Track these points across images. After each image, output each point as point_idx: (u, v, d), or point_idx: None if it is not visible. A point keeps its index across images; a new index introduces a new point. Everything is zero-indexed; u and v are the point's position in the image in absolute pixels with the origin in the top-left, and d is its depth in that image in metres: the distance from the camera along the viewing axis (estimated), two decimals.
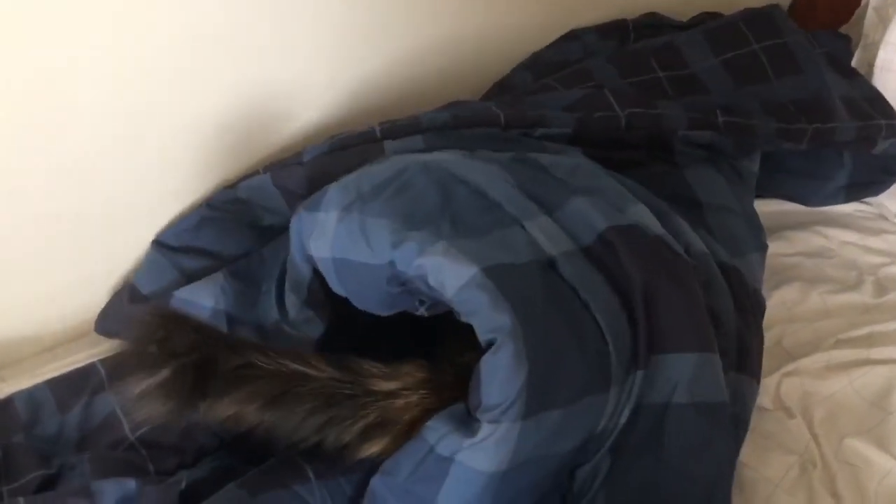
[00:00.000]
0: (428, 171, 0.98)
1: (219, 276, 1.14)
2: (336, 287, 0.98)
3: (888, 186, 1.45)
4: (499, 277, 0.84)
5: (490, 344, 0.83)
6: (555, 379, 0.84)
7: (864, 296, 1.32)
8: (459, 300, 0.85)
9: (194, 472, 0.97)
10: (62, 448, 1.06)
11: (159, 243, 1.20)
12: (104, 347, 1.20)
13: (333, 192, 0.98)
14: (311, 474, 0.93)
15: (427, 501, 0.85)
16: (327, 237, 0.95)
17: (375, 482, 0.89)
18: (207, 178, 1.23)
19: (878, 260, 1.39)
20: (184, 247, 1.19)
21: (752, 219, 1.24)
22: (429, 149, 1.10)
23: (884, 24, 1.42)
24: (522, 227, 0.93)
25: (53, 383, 1.12)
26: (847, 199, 1.48)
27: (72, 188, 1.11)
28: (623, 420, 0.90)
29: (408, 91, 1.36)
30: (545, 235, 0.93)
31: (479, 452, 0.82)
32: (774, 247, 1.37)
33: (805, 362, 1.20)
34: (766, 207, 1.45)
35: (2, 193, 1.05)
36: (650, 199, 1.09)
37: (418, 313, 0.95)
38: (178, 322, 0.80)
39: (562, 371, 0.85)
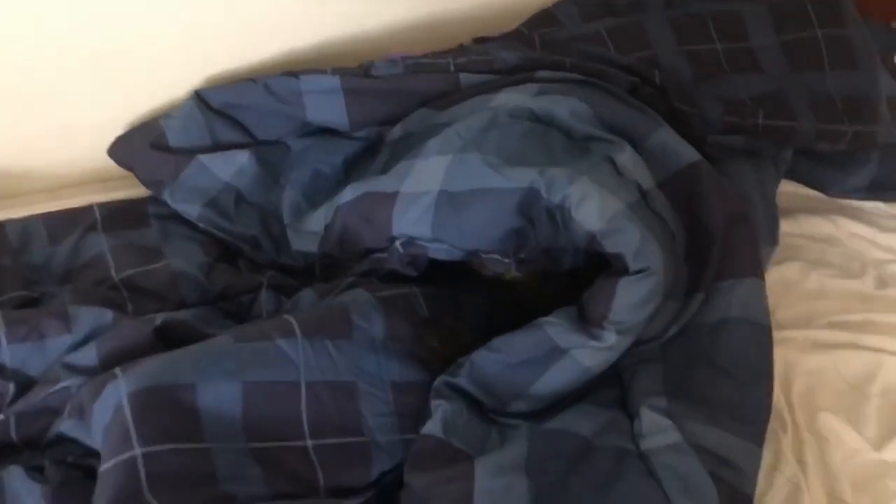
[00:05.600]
0: (516, 117, 1.04)
1: (243, 155, 1.15)
2: (424, 228, 0.99)
3: None
4: (637, 213, 0.92)
5: (637, 271, 0.90)
6: (665, 301, 0.95)
7: (864, 285, 1.31)
8: (608, 230, 0.91)
9: (172, 315, 0.97)
10: (47, 277, 1.07)
11: (201, 98, 1.18)
12: (103, 197, 1.20)
13: (434, 143, 1.02)
14: (297, 330, 0.93)
15: (526, 382, 0.94)
16: (434, 174, 0.98)
17: (480, 355, 0.95)
18: (253, 52, 1.24)
19: (884, 256, 1.37)
20: (223, 112, 1.18)
21: (772, 212, 1.24)
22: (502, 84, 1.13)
23: None
24: (613, 162, 0.99)
25: (47, 217, 1.13)
26: (865, 198, 1.46)
27: (100, 23, 1.10)
28: (669, 334, 0.98)
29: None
30: (634, 168, 0.98)
31: (595, 353, 0.93)
32: (784, 226, 1.36)
33: (793, 334, 1.19)
34: (785, 187, 1.43)
35: (27, 17, 1.03)
36: None
37: (505, 265, 1.00)
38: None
39: (671, 295, 0.97)
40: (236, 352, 0.89)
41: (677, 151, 1.03)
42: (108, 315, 0.95)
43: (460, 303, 1.07)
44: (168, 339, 0.94)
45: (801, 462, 1.04)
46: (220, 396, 0.86)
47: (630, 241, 0.90)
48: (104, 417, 0.82)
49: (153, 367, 0.85)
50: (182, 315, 0.97)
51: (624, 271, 0.91)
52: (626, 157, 0.99)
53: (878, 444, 1.07)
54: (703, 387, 0.94)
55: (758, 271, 1.01)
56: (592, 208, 0.91)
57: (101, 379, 0.86)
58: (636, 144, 1.03)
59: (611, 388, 0.97)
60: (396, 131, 1.16)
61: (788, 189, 1.45)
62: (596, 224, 0.91)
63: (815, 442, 1.07)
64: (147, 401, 0.82)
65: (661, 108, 1.19)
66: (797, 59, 1.31)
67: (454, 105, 1.13)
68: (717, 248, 1.00)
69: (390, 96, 1.16)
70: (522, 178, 0.94)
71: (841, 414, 1.10)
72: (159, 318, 0.94)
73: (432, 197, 0.98)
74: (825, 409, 1.10)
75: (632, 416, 0.93)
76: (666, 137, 1.04)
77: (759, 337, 0.98)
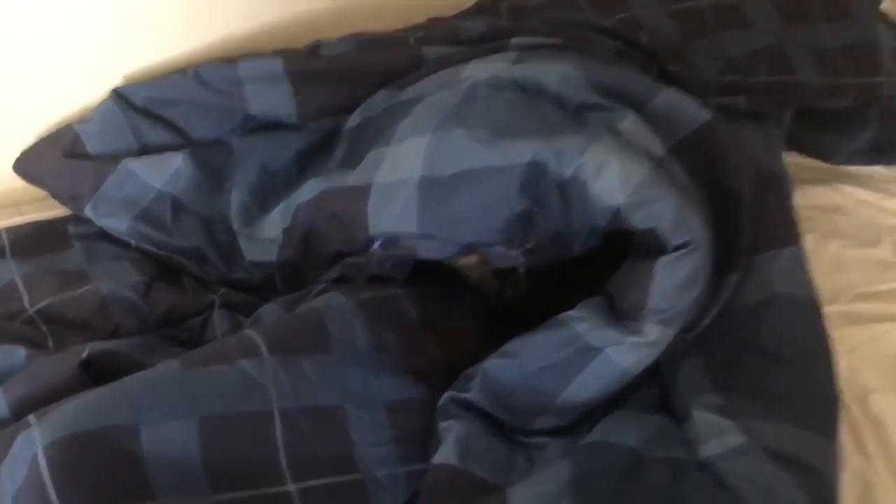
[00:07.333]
0: (497, 87, 0.89)
1: (177, 158, 1.01)
2: (409, 223, 0.85)
3: None
4: (668, 174, 0.79)
5: (677, 247, 0.77)
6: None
7: (883, 253, 1.22)
8: (636, 202, 0.77)
9: (102, 345, 0.79)
10: None
11: (121, 96, 1.04)
12: (13, 220, 1.04)
13: (406, 124, 0.90)
14: (263, 348, 0.77)
15: (552, 391, 0.80)
16: (412, 159, 0.85)
17: (493, 363, 0.82)
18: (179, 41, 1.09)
19: (895, 221, 1.29)
20: (149, 111, 1.04)
21: None
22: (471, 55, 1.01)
23: None
24: (617, 132, 0.85)
25: None
26: (868, 162, 1.37)
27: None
28: (707, 321, 0.84)
29: None
30: (641, 136, 0.85)
31: (635, 350, 0.79)
32: None
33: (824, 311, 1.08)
34: (785, 158, 1.35)
35: None
36: None
37: (511, 258, 0.86)
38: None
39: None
40: (187, 381, 0.73)
41: (687, 111, 0.90)
42: (19, 353, 0.78)
43: (451, 304, 0.91)
44: (99, 375, 0.76)
45: (863, 453, 0.92)
46: (170, 439, 0.69)
47: (664, 211, 0.76)
48: (16, 479, 0.65)
49: (78, 409, 0.68)
50: (116, 345, 0.80)
51: (658, 249, 0.78)
52: (630, 123, 0.86)
53: None
54: (756, 378, 0.81)
55: (796, 239, 0.90)
56: (614, 177, 0.77)
57: (11, 431, 0.68)
58: (638, 109, 0.90)
59: (647, 388, 0.82)
60: (354, 118, 1.02)
61: (790, 159, 1.36)
62: (620, 196, 0.77)
63: (873, 427, 0.96)
64: (70, 452, 0.64)
65: (652, 72, 1.07)
66: (788, 13, 1.22)
67: (418, 82, 0.99)
68: (747, 216, 0.87)
69: (343, 79, 1.02)
70: (522, 151, 0.80)
71: (893, 393, 0.99)
72: (86, 350, 0.77)
73: (413, 186, 0.84)
74: (875, 390, 0.99)
75: (679, 419, 0.79)
76: (671, 97, 0.92)
77: (809, 313, 0.86)
